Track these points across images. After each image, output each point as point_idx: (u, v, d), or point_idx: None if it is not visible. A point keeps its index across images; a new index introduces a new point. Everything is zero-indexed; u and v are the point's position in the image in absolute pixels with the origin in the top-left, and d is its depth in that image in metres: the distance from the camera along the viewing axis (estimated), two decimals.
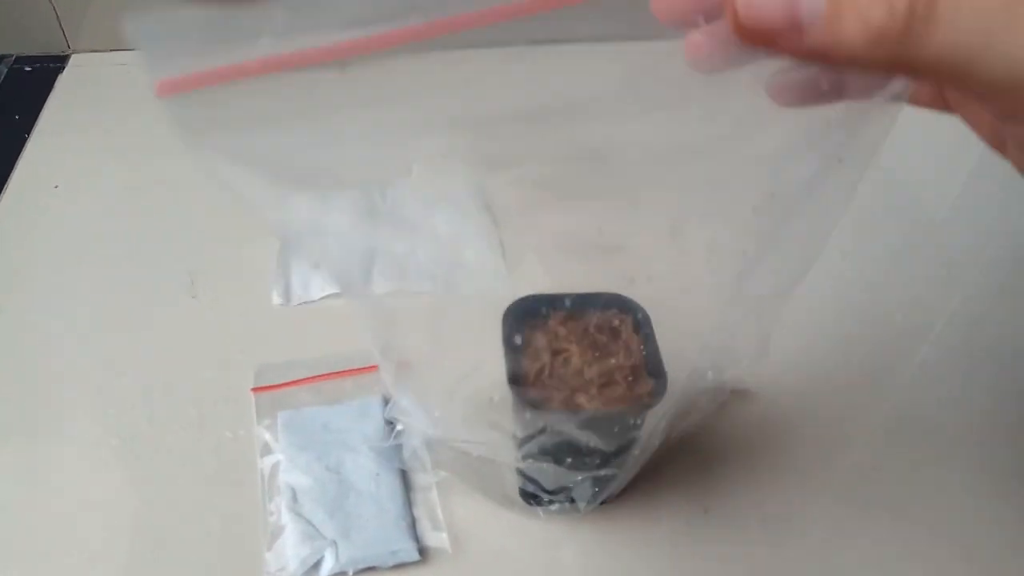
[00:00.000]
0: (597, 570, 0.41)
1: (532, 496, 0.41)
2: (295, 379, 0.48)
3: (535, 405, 0.36)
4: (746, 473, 0.45)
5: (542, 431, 0.37)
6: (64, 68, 0.72)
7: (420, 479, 0.43)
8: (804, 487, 0.44)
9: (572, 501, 0.40)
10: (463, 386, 0.40)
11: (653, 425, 0.38)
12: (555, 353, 0.38)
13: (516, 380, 0.37)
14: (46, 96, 0.69)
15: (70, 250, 0.56)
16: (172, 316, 0.52)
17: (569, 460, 0.38)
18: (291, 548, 0.40)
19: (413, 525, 0.41)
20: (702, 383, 0.38)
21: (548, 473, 0.39)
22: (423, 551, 0.40)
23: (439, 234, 0.58)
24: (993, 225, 0.61)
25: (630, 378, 0.37)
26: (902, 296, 0.55)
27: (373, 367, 0.48)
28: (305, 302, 0.53)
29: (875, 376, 0.50)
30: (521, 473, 0.40)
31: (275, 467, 0.43)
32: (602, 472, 0.39)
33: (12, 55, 0.73)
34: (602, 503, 0.41)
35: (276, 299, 0.53)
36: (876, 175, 0.32)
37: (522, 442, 0.38)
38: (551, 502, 0.41)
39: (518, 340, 0.38)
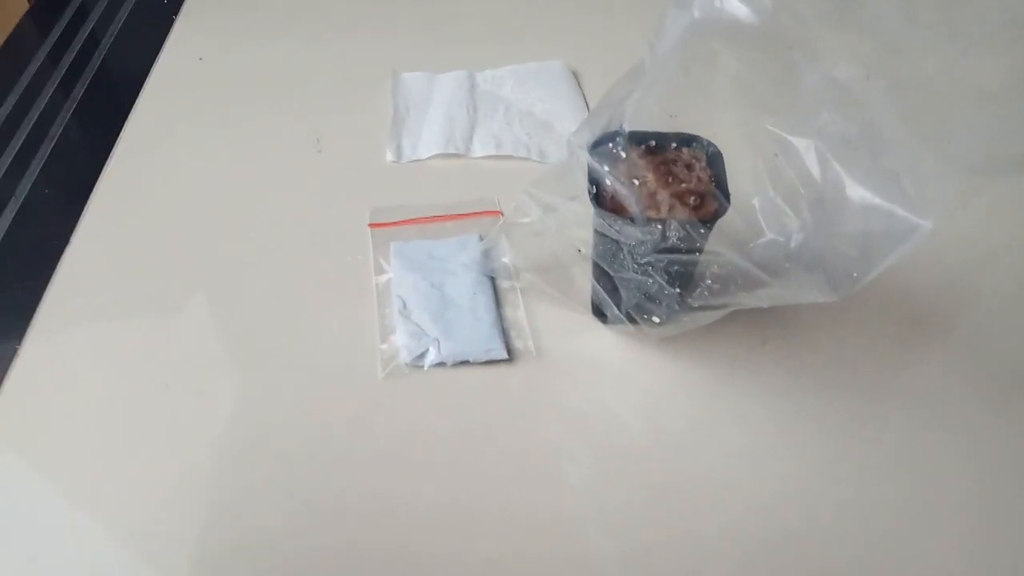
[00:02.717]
0: (659, 378, 0.47)
1: (601, 313, 0.48)
2: (404, 219, 0.55)
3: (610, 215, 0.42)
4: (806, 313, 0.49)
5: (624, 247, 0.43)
6: None
7: (509, 296, 0.50)
8: (862, 333, 0.49)
9: (642, 320, 0.47)
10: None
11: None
12: (633, 179, 0.44)
13: (598, 198, 0.43)
14: None
15: (213, 112, 0.64)
16: (301, 167, 0.60)
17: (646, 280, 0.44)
18: (401, 342, 0.47)
19: (503, 332, 0.48)
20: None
21: (630, 285, 0.45)
22: (511, 352, 0.47)
23: (534, 111, 0.65)
24: None
25: (696, 201, 0.43)
26: None
27: (470, 214, 0.55)
28: (414, 160, 0.60)
29: None
30: (598, 288, 0.47)
31: (387, 283, 0.51)
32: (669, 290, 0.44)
33: None
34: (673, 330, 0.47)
35: (389, 156, 0.60)
36: None
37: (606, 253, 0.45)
38: (622, 319, 0.47)
39: (604, 167, 0.44)
